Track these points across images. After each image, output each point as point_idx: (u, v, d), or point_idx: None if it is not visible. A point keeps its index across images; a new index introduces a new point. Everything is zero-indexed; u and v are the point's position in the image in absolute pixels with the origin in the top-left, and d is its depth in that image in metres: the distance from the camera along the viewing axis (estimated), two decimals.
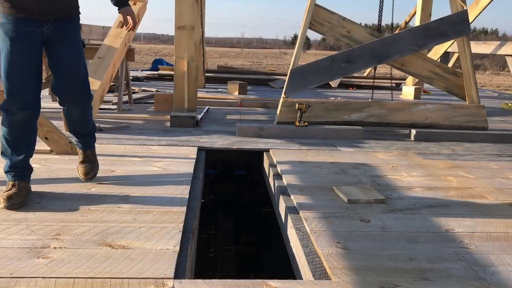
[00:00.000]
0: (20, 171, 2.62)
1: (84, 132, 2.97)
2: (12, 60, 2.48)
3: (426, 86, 8.65)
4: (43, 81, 5.72)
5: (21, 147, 2.63)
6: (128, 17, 2.87)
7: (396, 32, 6.88)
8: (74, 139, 3.03)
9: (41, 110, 2.74)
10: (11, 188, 2.54)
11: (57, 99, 2.80)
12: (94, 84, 4.62)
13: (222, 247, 4.32)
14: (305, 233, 2.37)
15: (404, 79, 9.48)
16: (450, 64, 8.59)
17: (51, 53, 2.62)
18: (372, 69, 8.38)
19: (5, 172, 2.62)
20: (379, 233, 2.35)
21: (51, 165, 3.29)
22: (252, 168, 4.72)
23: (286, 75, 5.17)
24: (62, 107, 2.82)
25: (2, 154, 2.65)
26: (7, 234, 2.16)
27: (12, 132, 2.59)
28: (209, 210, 4.87)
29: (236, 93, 7.45)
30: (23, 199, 2.53)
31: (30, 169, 2.70)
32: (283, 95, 4.80)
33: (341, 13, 5.03)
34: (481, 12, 7.72)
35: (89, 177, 2.91)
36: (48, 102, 6.11)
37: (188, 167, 3.34)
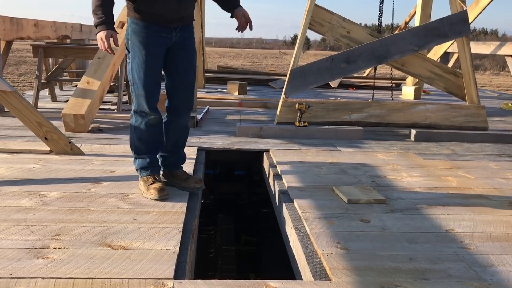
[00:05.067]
0: (156, 165, 2.85)
1: (184, 143, 2.98)
2: (147, 67, 2.63)
3: (426, 86, 8.65)
4: (43, 81, 5.75)
5: (155, 145, 2.83)
6: (245, 17, 2.81)
7: (396, 32, 6.88)
8: (167, 167, 2.94)
9: (41, 110, 2.77)
10: (154, 181, 2.74)
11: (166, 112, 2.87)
12: (94, 84, 4.62)
13: (222, 247, 4.32)
14: (305, 234, 2.37)
15: (404, 79, 9.48)
16: (450, 64, 8.59)
17: (174, 58, 2.73)
18: (372, 69, 8.39)
19: (141, 169, 2.80)
20: (379, 233, 2.35)
21: (51, 165, 3.29)
22: (252, 168, 4.72)
23: (286, 75, 5.17)
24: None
25: (136, 154, 2.82)
26: (7, 235, 2.16)
27: (147, 134, 2.75)
28: (209, 210, 4.87)
29: (236, 93, 7.44)
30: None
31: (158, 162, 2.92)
32: (283, 95, 4.80)
33: (341, 13, 5.04)
34: (481, 12, 7.72)
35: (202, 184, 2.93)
36: (48, 102, 6.12)
37: (188, 167, 3.33)
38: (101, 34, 2.55)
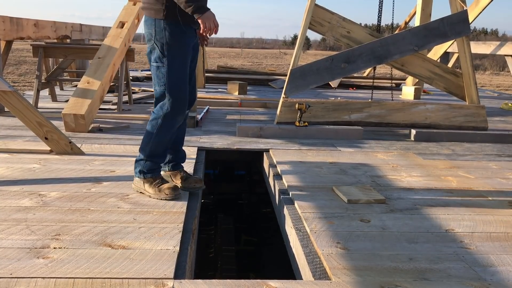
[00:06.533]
0: (160, 167, 2.85)
1: (183, 140, 2.98)
2: (186, 69, 2.64)
3: (426, 86, 8.66)
4: (43, 81, 5.75)
5: (167, 148, 2.80)
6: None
7: (396, 32, 6.88)
8: (167, 167, 2.91)
9: (41, 110, 2.77)
10: (162, 182, 2.74)
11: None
12: (94, 84, 4.62)
13: (222, 247, 4.32)
14: (305, 233, 2.37)
15: (404, 79, 9.48)
16: (450, 64, 8.60)
17: (191, 58, 2.74)
18: (372, 69, 8.39)
19: (148, 170, 2.74)
20: (379, 233, 2.35)
21: (51, 165, 3.29)
22: (252, 168, 4.72)
23: (286, 75, 5.17)
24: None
25: (148, 157, 2.73)
26: (7, 234, 2.16)
27: (170, 137, 2.73)
28: (209, 210, 4.87)
29: (236, 93, 7.45)
30: None
31: None
32: (283, 95, 4.80)
33: (341, 13, 5.04)
34: (481, 12, 7.72)
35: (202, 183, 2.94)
36: (48, 102, 6.12)
37: (188, 167, 3.33)
38: (212, 16, 2.49)
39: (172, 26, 2.56)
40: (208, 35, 2.59)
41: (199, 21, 2.48)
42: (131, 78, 6.38)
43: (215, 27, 2.52)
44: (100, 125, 4.58)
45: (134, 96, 6.52)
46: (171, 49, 2.57)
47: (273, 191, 3.34)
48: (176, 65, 2.59)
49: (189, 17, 2.54)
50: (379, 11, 5.34)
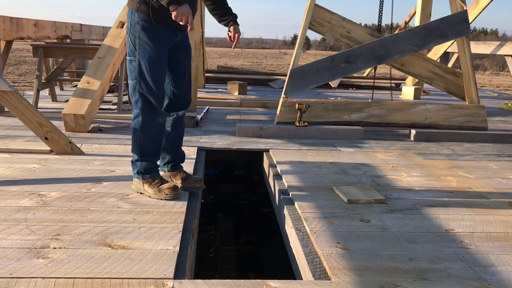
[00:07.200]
0: (158, 166, 2.84)
1: (181, 140, 2.97)
2: (159, 66, 2.61)
3: (426, 86, 8.66)
4: (43, 81, 5.75)
5: (159, 146, 2.80)
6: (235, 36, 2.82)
7: (396, 32, 6.88)
8: (167, 167, 2.91)
9: (41, 110, 2.76)
10: (162, 182, 2.73)
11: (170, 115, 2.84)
12: (94, 84, 4.62)
13: (222, 247, 4.32)
14: (305, 233, 2.37)
15: (404, 79, 9.48)
16: (450, 64, 8.60)
17: (178, 56, 2.76)
18: (372, 69, 8.40)
19: (145, 170, 2.74)
20: (379, 233, 2.35)
21: (51, 165, 3.29)
22: (252, 168, 4.72)
23: (286, 75, 5.17)
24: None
25: (141, 156, 2.73)
26: (7, 234, 2.16)
27: (156, 134, 2.73)
28: (209, 210, 4.87)
29: (236, 93, 7.44)
30: None
31: None
32: (283, 95, 4.80)
33: (341, 13, 5.04)
34: (481, 12, 7.73)
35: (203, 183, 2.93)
36: (48, 102, 6.12)
37: (188, 167, 3.33)
38: (187, 11, 2.42)
39: (144, 22, 2.53)
40: (185, 28, 2.54)
41: (173, 14, 2.42)
42: None
43: (188, 23, 2.44)
44: (100, 125, 4.58)
45: None
46: (142, 44, 2.55)
47: (273, 191, 3.34)
48: (147, 61, 2.57)
49: (163, 15, 2.49)
50: (379, 11, 5.34)
